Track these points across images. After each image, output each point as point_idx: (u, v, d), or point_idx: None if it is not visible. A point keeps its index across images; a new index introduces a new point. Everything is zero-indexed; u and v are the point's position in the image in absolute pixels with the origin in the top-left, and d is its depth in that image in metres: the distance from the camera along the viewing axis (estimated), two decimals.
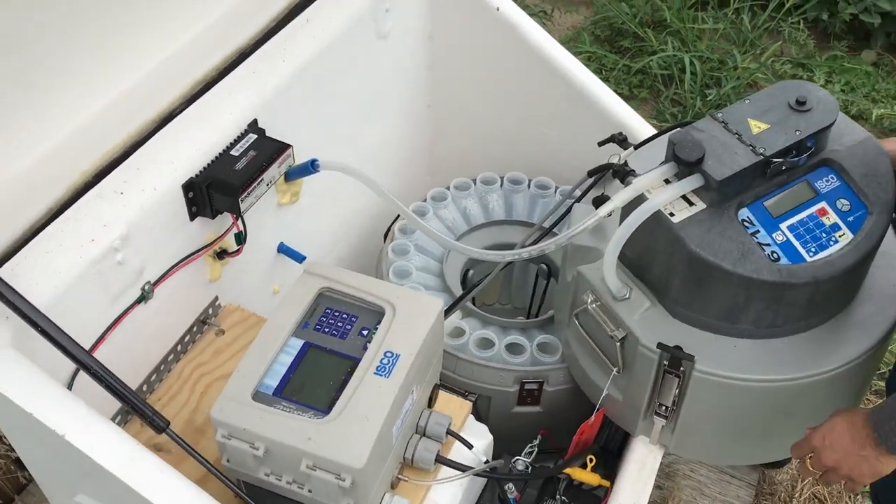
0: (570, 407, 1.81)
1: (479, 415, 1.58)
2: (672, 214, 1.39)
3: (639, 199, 1.41)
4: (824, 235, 1.39)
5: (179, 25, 1.57)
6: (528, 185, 2.10)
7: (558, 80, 1.99)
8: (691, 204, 1.40)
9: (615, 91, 2.00)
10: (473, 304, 1.91)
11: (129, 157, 1.44)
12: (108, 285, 1.38)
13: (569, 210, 1.79)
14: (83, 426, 1.20)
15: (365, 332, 1.38)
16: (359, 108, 1.95)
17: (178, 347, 1.58)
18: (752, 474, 2.20)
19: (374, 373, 1.30)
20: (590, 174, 1.81)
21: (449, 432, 1.44)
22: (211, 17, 1.62)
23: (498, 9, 1.98)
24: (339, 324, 1.39)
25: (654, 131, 1.89)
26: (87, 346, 1.30)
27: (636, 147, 1.75)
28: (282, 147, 1.57)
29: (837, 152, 1.44)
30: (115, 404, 1.45)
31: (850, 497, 2.26)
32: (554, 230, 1.89)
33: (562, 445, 1.73)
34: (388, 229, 2.04)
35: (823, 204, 1.42)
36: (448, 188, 2.08)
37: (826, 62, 3.58)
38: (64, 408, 1.21)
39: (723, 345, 1.45)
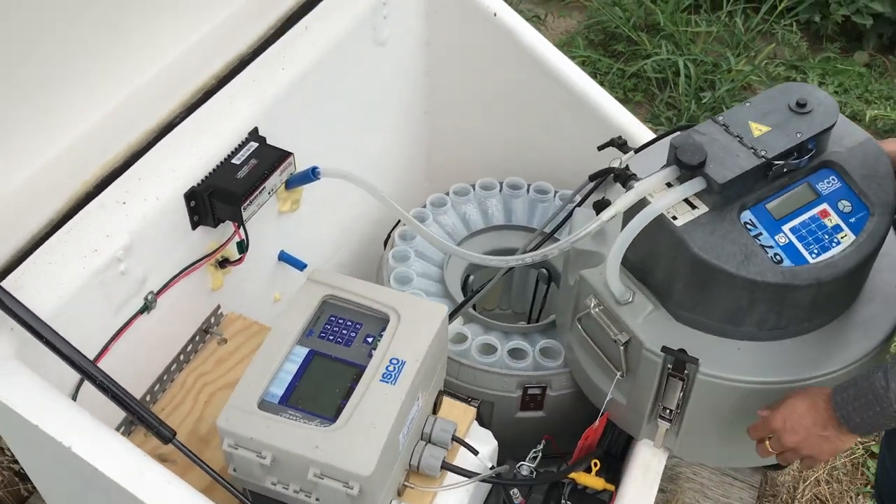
0: (572, 411, 1.81)
1: (482, 420, 1.58)
2: (675, 218, 1.39)
3: (641, 203, 1.41)
4: (826, 237, 1.40)
5: (178, 34, 1.57)
6: (527, 190, 2.10)
7: (556, 84, 2.00)
8: (693, 207, 1.41)
9: (610, 95, 2.01)
10: (474, 309, 1.91)
11: (130, 166, 1.44)
12: (111, 295, 1.38)
13: (570, 215, 1.80)
14: (90, 438, 1.20)
15: (370, 340, 1.38)
16: (357, 115, 1.95)
17: (181, 357, 1.58)
18: (754, 476, 2.20)
19: (381, 380, 1.30)
20: (591, 178, 1.81)
21: (454, 438, 1.44)
22: (209, 25, 1.62)
23: (495, 14, 1.98)
24: (344, 331, 1.39)
25: (652, 135, 1.90)
26: (90, 357, 1.30)
27: (636, 151, 1.76)
28: (283, 155, 1.57)
29: (838, 154, 1.44)
30: (119, 415, 1.45)
31: (851, 497, 2.26)
32: (555, 235, 1.89)
33: (565, 450, 1.73)
34: (388, 236, 2.04)
35: (825, 206, 1.42)
36: (447, 194, 2.08)
37: (819, 64, 3.60)
38: (70, 419, 1.21)
39: (726, 347, 1.45)
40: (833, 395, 1.29)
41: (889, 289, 1.50)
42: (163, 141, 1.48)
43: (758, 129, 1.42)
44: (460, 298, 1.87)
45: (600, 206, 1.63)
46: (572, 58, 2.01)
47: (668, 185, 1.42)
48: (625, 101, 3.41)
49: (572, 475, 1.60)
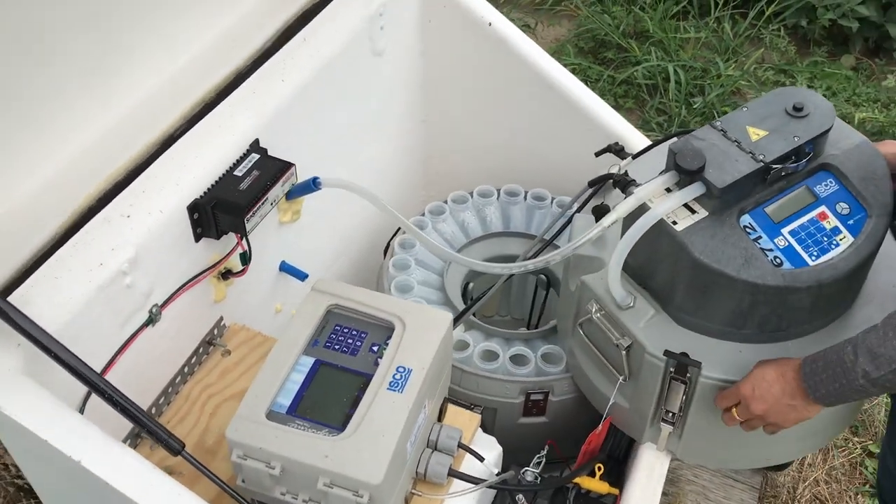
0: (575, 416, 1.82)
1: (485, 427, 1.59)
2: (675, 223, 1.41)
3: (641, 209, 1.43)
4: (825, 239, 1.41)
5: (177, 48, 1.58)
6: (525, 197, 2.11)
7: (551, 92, 2.01)
8: (693, 212, 1.42)
9: (604, 102, 2.03)
10: (474, 316, 1.92)
11: (133, 180, 1.45)
12: (117, 309, 1.38)
13: (569, 221, 1.81)
14: (99, 452, 1.20)
15: (375, 348, 1.38)
16: (355, 125, 1.96)
17: (186, 369, 1.58)
18: (754, 477, 2.21)
19: (388, 388, 1.31)
20: (590, 184, 1.83)
21: (460, 445, 1.45)
22: (208, 38, 1.63)
23: (490, 24, 2.00)
24: (349, 340, 1.39)
25: (647, 141, 1.92)
26: (97, 371, 1.30)
27: (634, 157, 1.77)
28: (284, 166, 1.58)
29: (835, 157, 1.46)
30: (124, 429, 1.45)
31: (851, 497, 2.28)
32: (554, 241, 1.90)
33: (568, 455, 1.74)
34: (388, 244, 2.05)
35: (823, 208, 1.44)
36: (445, 202, 2.09)
37: (807, 68, 3.63)
38: (79, 433, 1.21)
39: (728, 350, 1.47)
40: (802, 366, 1.33)
41: (888, 289, 1.51)
42: (165, 154, 1.48)
43: (755, 133, 1.43)
44: (461, 306, 1.88)
45: (600, 212, 1.65)
46: (563, 66, 2.03)
47: (668, 190, 1.43)
48: (616, 107, 3.41)
49: (577, 479, 1.62)
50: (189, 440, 1.50)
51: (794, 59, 3.69)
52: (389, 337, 1.39)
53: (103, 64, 1.42)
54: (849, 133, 1.50)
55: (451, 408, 1.54)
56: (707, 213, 1.41)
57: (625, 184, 1.55)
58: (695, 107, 3.38)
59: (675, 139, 1.55)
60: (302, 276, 1.83)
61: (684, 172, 1.39)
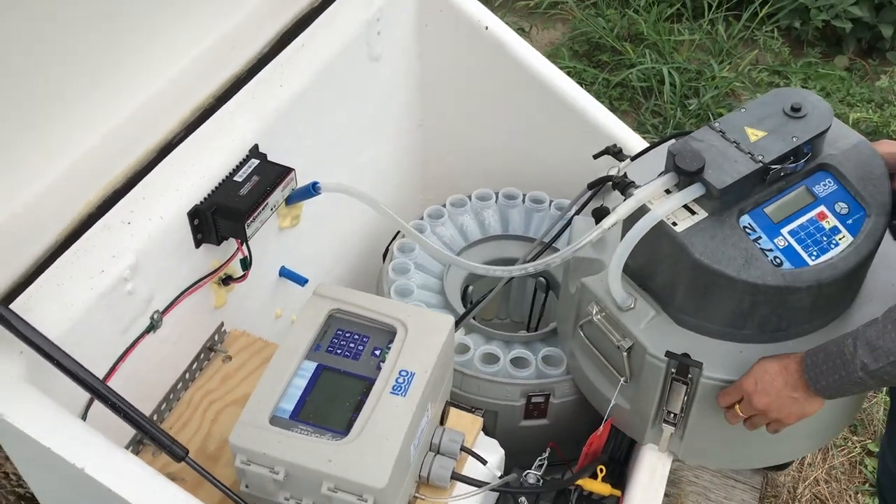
0: (576, 418, 1.82)
1: (486, 430, 1.59)
2: (675, 224, 1.41)
3: (641, 210, 1.43)
4: (825, 239, 1.42)
5: (175, 54, 1.58)
6: (523, 200, 2.12)
7: (548, 95, 2.02)
8: (693, 213, 1.43)
9: (601, 104, 2.04)
10: (474, 319, 1.92)
11: (132, 186, 1.44)
12: (118, 316, 1.38)
13: (569, 223, 1.81)
14: (102, 459, 1.19)
15: (377, 352, 1.38)
16: (353, 129, 1.96)
17: (187, 375, 1.58)
18: (755, 478, 2.22)
19: (391, 392, 1.31)
20: (589, 187, 1.83)
21: (463, 448, 1.45)
22: (206, 44, 1.62)
23: (486, 27, 2.00)
24: (352, 345, 1.39)
25: (645, 143, 1.92)
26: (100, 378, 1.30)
27: (633, 159, 1.78)
28: (284, 171, 1.58)
29: (833, 157, 1.47)
30: (126, 436, 1.45)
31: (850, 496, 2.29)
32: (554, 244, 1.91)
33: (569, 457, 1.74)
34: (387, 249, 2.05)
35: (822, 208, 1.45)
36: (444, 205, 2.09)
37: (801, 69, 3.64)
38: (82, 441, 1.20)
39: (729, 350, 1.47)
40: (804, 358, 1.34)
41: (887, 288, 1.52)
42: (165, 160, 1.48)
43: (754, 134, 1.44)
44: (461, 309, 1.89)
45: (599, 215, 1.65)
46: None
47: (667, 191, 1.44)
48: (611, 110, 3.41)
49: (579, 481, 1.62)
50: (191, 446, 1.50)
51: (787, 60, 3.71)
52: (391, 341, 1.39)
53: (101, 71, 1.42)
54: (846, 133, 1.51)
55: (453, 411, 1.54)
56: (707, 214, 1.42)
57: (624, 186, 1.56)
58: (690, 109, 3.39)
59: (672, 141, 1.55)
60: (302, 282, 1.83)
61: (684, 174, 1.40)
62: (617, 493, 1.61)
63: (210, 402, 1.57)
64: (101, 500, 1.21)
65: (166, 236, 1.44)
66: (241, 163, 1.57)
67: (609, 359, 1.60)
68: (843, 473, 2.33)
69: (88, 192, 1.40)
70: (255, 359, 1.64)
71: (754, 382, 1.39)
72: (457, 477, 1.43)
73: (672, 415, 1.52)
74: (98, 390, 1.23)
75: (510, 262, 1.95)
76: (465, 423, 1.54)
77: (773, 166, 1.41)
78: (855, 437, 2.41)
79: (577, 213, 1.87)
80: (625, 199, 1.45)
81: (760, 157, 1.40)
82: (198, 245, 1.52)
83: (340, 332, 1.41)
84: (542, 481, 1.62)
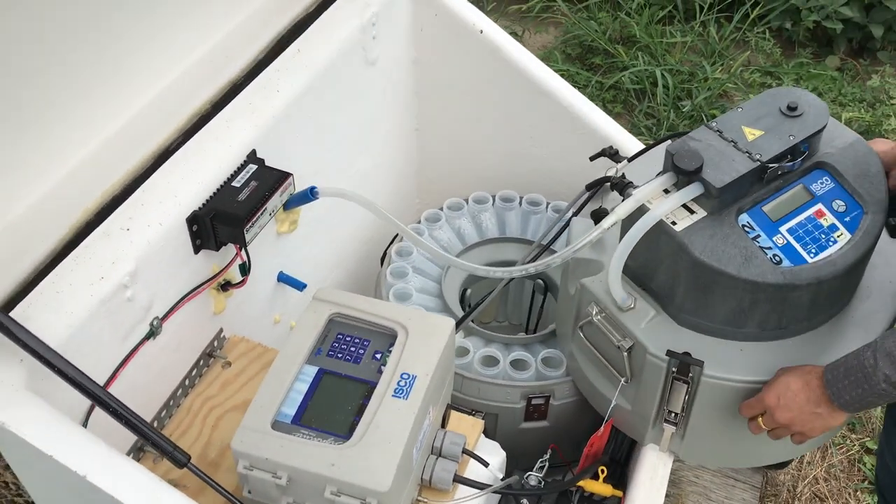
0: (576, 420, 1.82)
1: (487, 432, 1.59)
2: (674, 223, 1.42)
3: (640, 210, 1.43)
4: (823, 236, 1.42)
5: (171, 60, 1.58)
6: (520, 203, 2.12)
7: (544, 98, 2.02)
8: (692, 212, 1.43)
9: (596, 107, 2.04)
10: (472, 322, 1.92)
11: (130, 193, 1.44)
12: (118, 323, 1.37)
13: (567, 224, 1.81)
14: (105, 466, 1.19)
15: (378, 356, 1.38)
16: (350, 135, 1.96)
17: (186, 382, 1.58)
18: (755, 477, 2.22)
19: (393, 395, 1.31)
20: (588, 188, 1.83)
21: (465, 451, 1.45)
22: (202, 50, 1.63)
23: (481, 31, 2.00)
24: (352, 348, 1.39)
25: (640, 145, 1.93)
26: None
27: (629, 160, 1.78)
28: (282, 176, 1.58)
29: (830, 155, 1.47)
30: (126, 443, 1.44)
31: (850, 494, 2.29)
32: (552, 245, 1.91)
33: (570, 458, 1.74)
34: (385, 253, 2.05)
35: (820, 206, 1.45)
36: (441, 209, 2.09)
37: (793, 69, 3.66)
38: (84, 448, 1.20)
39: (729, 349, 1.48)
40: (825, 373, 1.33)
41: (884, 285, 1.53)
42: (163, 167, 1.48)
43: (751, 133, 1.44)
44: (459, 312, 1.89)
45: (598, 216, 1.65)
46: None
47: (666, 191, 1.44)
48: (604, 113, 3.45)
49: (580, 483, 1.62)
50: (192, 453, 1.48)
51: (779, 60, 3.72)
52: (392, 344, 1.39)
53: (97, 80, 1.42)
54: (842, 131, 1.51)
55: (453, 414, 1.54)
56: (706, 213, 1.42)
57: (622, 186, 1.56)
58: (683, 110, 3.40)
59: (668, 141, 1.56)
60: (300, 287, 1.82)
61: (682, 173, 1.40)
62: (618, 493, 1.61)
63: (210, 408, 1.57)
64: None
65: (165, 242, 1.44)
66: (238, 168, 1.57)
67: (609, 359, 1.60)
68: (843, 471, 2.34)
69: (87, 200, 1.40)
70: (254, 364, 1.64)
71: (776, 398, 1.38)
72: (459, 479, 1.43)
73: (673, 414, 1.52)
74: (100, 397, 1.22)
75: (508, 264, 1.95)
76: (466, 426, 1.54)
77: (771, 165, 1.41)
78: (854, 435, 2.41)
79: (575, 214, 1.87)
80: (623, 200, 1.46)
81: (758, 156, 1.41)
82: (197, 251, 1.52)
83: (341, 336, 1.41)
84: (543, 483, 1.62)
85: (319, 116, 1.80)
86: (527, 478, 1.63)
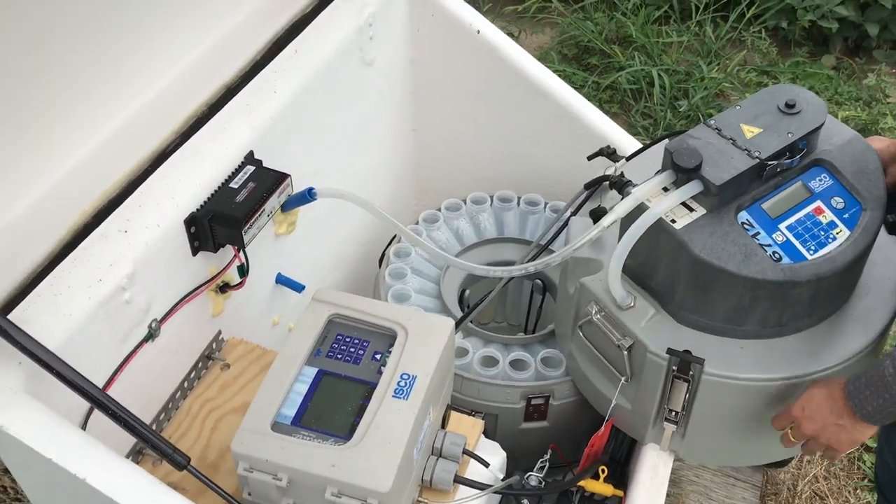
0: (576, 420, 1.82)
1: (487, 433, 1.59)
2: (673, 221, 1.41)
3: (640, 209, 1.43)
4: (822, 233, 1.42)
5: (168, 62, 1.58)
6: (518, 203, 2.12)
7: (541, 98, 2.02)
8: (691, 210, 1.43)
9: (594, 106, 2.04)
10: (471, 323, 1.92)
11: (128, 195, 1.44)
12: (116, 325, 1.37)
13: (566, 224, 1.81)
14: (104, 468, 1.18)
15: (378, 356, 1.38)
16: (347, 135, 1.96)
17: (185, 384, 1.57)
18: (755, 475, 2.22)
19: (393, 396, 1.31)
20: (586, 186, 1.83)
21: (465, 452, 1.45)
22: (199, 52, 1.63)
23: (479, 32, 2.00)
24: (352, 349, 1.39)
25: (638, 144, 1.93)
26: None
27: (628, 159, 1.78)
28: (280, 177, 1.57)
29: (828, 152, 1.47)
30: (126, 445, 1.44)
31: (850, 492, 2.29)
32: (550, 245, 1.91)
33: (570, 458, 1.74)
34: (383, 254, 2.05)
35: (819, 203, 1.45)
36: (439, 209, 2.09)
37: (789, 68, 3.66)
38: (83, 451, 1.19)
39: (729, 347, 1.47)
40: (847, 384, 1.32)
41: (883, 282, 1.53)
42: (160, 169, 1.48)
43: (750, 131, 1.44)
44: (458, 313, 1.88)
45: (597, 215, 1.65)
46: None
47: (665, 189, 1.44)
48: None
49: (581, 482, 1.61)
50: (191, 455, 1.47)
51: (775, 60, 3.72)
52: (392, 345, 1.39)
53: (94, 82, 1.42)
54: (840, 129, 1.51)
55: (453, 415, 1.54)
56: (705, 211, 1.42)
57: (621, 185, 1.55)
58: (680, 110, 3.40)
59: (666, 140, 1.55)
60: (298, 288, 1.82)
61: (681, 171, 1.40)
62: (619, 493, 1.61)
63: (209, 410, 1.56)
64: None
65: (163, 244, 1.44)
66: (236, 170, 1.56)
67: (609, 358, 1.59)
68: (842, 469, 2.34)
69: (84, 202, 1.40)
70: (253, 366, 1.63)
71: (802, 408, 1.38)
72: (459, 480, 1.43)
73: (673, 413, 1.52)
74: (99, 400, 1.22)
75: (507, 264, 1.94)
76: (466, 427, 1.53)
77: (770, 162, 1.41)
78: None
79: (574, 214, 1.87)
80: (622, 198, 1.45)
81: (757, 154, 1.41)
82: (195, 253, 1.51)
83: (340, 337, 1.40)
84: (544, 483, 1.62)
85: (317, 117, 1.80)
86: (527, 478, 1.62)
